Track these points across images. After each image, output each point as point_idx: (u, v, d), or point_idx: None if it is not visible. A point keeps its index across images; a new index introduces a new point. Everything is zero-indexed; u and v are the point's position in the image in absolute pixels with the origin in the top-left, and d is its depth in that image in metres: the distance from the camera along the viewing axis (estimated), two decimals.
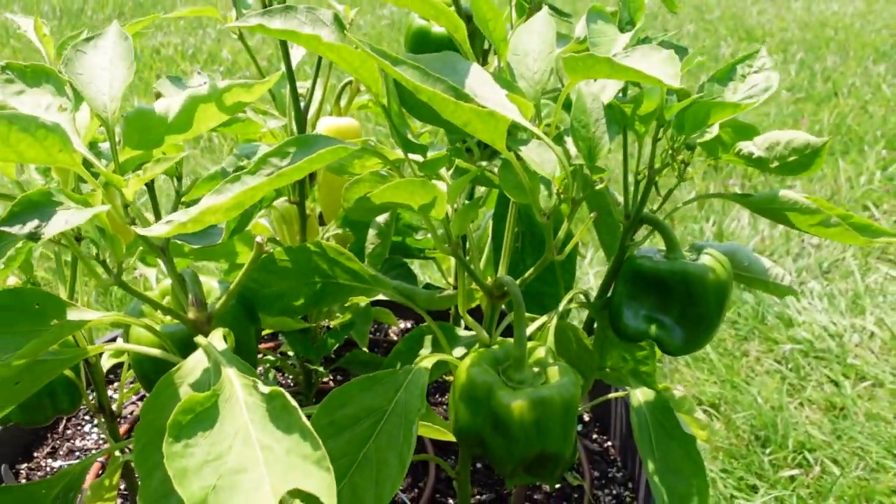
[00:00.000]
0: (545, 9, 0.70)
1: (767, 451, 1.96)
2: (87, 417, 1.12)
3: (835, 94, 4.50)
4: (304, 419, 0.48)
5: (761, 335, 2.46)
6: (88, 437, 1.08)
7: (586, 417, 1.17)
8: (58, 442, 1.07)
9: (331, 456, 0.62)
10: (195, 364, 0.58)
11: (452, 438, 0.73)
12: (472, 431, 0.68)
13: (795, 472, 1.89)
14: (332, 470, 0.46)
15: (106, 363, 0.89)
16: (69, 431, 1.09)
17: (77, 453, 1.05)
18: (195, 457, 0.47)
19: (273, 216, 1.00)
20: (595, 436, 1.13)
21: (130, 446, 0.91)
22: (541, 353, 0.70)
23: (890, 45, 5.55)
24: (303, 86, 0.99)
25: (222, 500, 0.45)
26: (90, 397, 0.86)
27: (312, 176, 0.98)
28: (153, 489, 0.55)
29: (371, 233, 0.86)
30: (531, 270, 0.68)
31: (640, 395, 0.78)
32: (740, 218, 3.04)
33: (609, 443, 1.12)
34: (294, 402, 0.49)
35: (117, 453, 0.83)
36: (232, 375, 0.53)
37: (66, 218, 0.51)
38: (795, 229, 0.78)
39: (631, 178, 0.81)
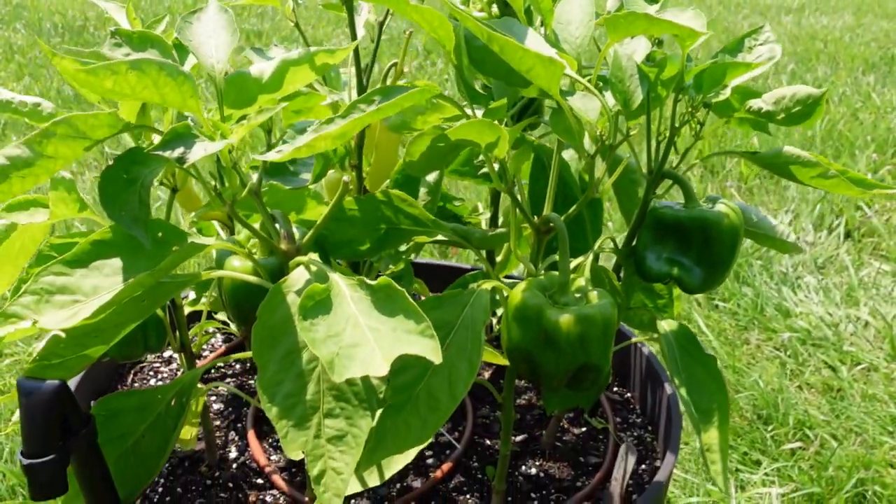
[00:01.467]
0: None
1: (769, 428, 2.06)
2: (150, 373, 1.22)
3: (826, 102, 4.64)
4: (410, 300, 0.59)
5: (761, 325, 2.56)
6: None
7: None
8: None
9: (408, 364, 0.72)
10: (299, 276, 0.68)
11: (504, 362, 0.84)
12: (522, 348, 0.78)
13: (796, 445, 1.99)
14: (436, 336, 0.56)
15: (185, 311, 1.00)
16: (136, 385, 1.19)
17: None
18: (319, 332, 0.58)
19: (326, 183, 1.11)
20: (616, 388, 1.24)
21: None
22: (581, 282, 0.81)
23: (879, 57, 5.72)
24: (343, 71, 1.11)
25: (345, 364, 0.56)
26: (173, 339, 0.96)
27: (360, 147, 1.09)
28: (268, 378, 0.65)
29: (422, 191, 0.97)
30: (575, 207, 0.79)
31: (665, 326, 0.89)
32: None
33: (629, 394, 1.22)
34: (400, 288, 0.59)
35: (200, 385, 0.93)
36: (337, 278, 0.64)
37: (205, 147, 0.61)
38: (798, 182, 0.90)
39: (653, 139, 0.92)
